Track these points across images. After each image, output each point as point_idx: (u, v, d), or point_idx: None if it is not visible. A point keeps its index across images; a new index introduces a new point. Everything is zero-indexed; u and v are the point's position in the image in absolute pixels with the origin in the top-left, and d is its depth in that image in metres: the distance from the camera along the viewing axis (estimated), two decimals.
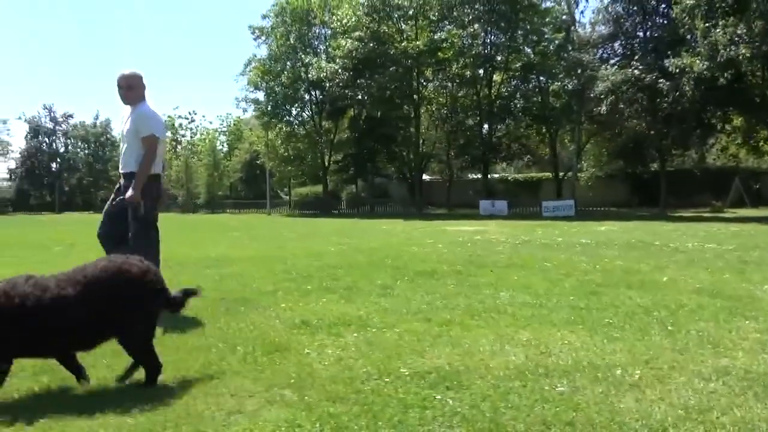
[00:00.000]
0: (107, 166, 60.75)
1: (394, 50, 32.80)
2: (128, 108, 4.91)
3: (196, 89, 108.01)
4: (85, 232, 16.33)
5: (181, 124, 64.65)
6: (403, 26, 34.41)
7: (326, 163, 39.36)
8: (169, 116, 65.50)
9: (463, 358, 3.28)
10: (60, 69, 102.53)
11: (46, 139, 59.20)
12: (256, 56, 38.95)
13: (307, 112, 40.01)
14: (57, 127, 59.77)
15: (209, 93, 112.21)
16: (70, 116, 60.45)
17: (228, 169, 56.53)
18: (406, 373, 2.99)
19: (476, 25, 31.41)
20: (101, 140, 60.97)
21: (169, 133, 65.48)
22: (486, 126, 34.32)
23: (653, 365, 3.13)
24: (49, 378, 3.04)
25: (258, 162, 53.15)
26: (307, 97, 39.02)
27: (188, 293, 3.20)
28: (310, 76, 36.38)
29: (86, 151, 61.09)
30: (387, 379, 2.91)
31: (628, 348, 3.47)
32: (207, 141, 62.02)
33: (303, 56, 37.01)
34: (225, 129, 67.41)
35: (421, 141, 36.63)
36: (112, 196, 5.02)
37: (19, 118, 62.15)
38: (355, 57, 32.57)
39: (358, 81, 33.27)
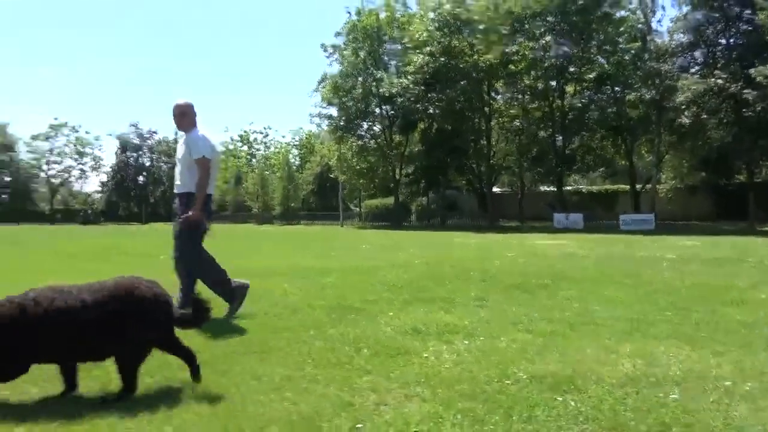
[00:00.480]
0: None
1: (465, 64, 33.09)
2: (182, 134, 5.47)
3: (270, 105, 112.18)
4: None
5: (255, 139, 67.42)
6: (474, 40, 34.65)
7: (397, 176, 40.01)
8: (244, 131, 68.46)
9: (572, 366, 3.53)
10: (145, 88, 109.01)
11: (134, 154, 63.09)
12: (328, 74, 40.30)
13: (378, 127, 40.87)
14: (143, 143, 63.68)
15: (283, 108, 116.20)
16: (154, 132, 64.41)
17: (301, 181, 58.40)
18: (524, 377, 3.29)
19: (548, 37, 31.27)
20: None
21: (245, 147, 68.54)
22: (559, 138, 33.90)
23: (764, 380, 3.26)
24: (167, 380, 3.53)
25: (329, 175, 54.61)
26: (378, 111, 39.89)
27: (199, 309, 3.29)
28: (381, 91, 37.21)
29: (169, 165, 64.67)
30: (508, 381, 3.21)
31: (735, 362, 3.61)
32: (281, 155, 64.29)
33: (374, 72, 37.94)
34: (297, 143, 69.73)
35: (491, 153, 36.62)
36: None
37: (110, 134, 66.54)
38: (426, 72, 33.11)
39: (429, 95, 33.76)
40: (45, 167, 62.10)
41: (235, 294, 5.34)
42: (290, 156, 64.51)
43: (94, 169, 63.25)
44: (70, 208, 62.74)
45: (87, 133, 62.00)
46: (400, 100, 34.79)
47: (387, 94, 36.32)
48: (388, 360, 3.71)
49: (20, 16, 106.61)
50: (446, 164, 36.93)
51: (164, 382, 3.30)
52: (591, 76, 32.78)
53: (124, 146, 63.23)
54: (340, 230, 32.46)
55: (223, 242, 18.86)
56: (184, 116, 5.37)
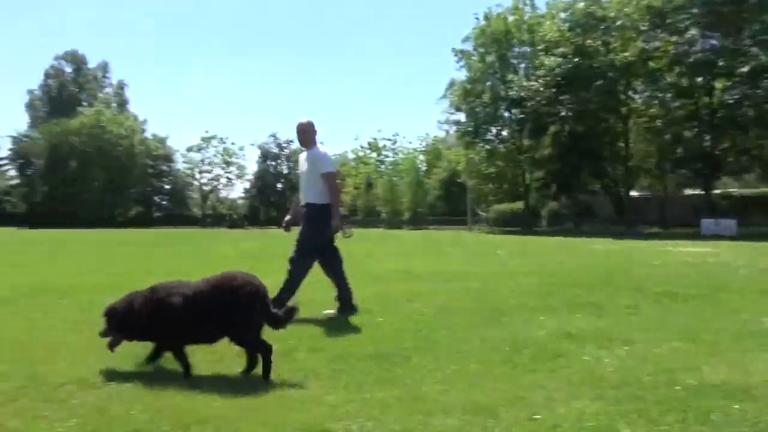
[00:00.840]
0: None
1: (600, 63, 31.75)
2: (304, 150, 6.00)
3: (398, 112, 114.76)
4: None
5: (384, 145, 69.28)
6: (609, 38, 33.13)
7: (527, 180, 39.27)
8: (373, 138, 70.69)
9: (743, 377, 3.47)
10: (281, 98, 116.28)
11: (273, 163, 67.62)
12: (455, 79, 40.56)
13: (506, 131, 40.39)
14: (281, 152, 68.04)
15: (410, 115, 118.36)
16: (291, 142, 68.49)
17: (428, 186, 59.15)
18: (694, 384, 3.32)
19: (693, 31, 29.06)
20: None
21: (374, 154, 70.76)
22: (707, 138, 31.34)
23: None
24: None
25: (457, 179, 54.77)
26: (507, 115, 39.44)
27: (290, 313, 3.75)
28: (511, 94, 36.77)
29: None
30: (677, 387, 3.26)
31: None
32: (408, 160, 65.52)
33: (503, 76, 37.59)
34: (424, 148, 70.66)
35: (629, 155, 34.73)
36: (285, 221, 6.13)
37: (252, 144, 71.76)
38: (558, 74, 32.23)
39: (561, 97, 32.79)
40: (198, 176, 68.63)
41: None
42: (417, 162, 65.52)
43: (238, 177, 68.78)
44: (218, 213, 68.70)
45: (233, 144, 67.74)
46: (530, 103, 34.12)
47: (516, 98, 35.81)
48: (548, 361, 3.89)
49: (175, 36, 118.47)
50: (579, 167, 35.58)
51: (346, 371, 3.75)
52: (744, 69, 29.92)
53: (265, 155, 68.02)
54: (469, 235, 32.50)
55: (361, 245, 19.75)
56: (306, 133, 5.89)
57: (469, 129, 38.95)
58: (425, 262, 12.10)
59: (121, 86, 75.67)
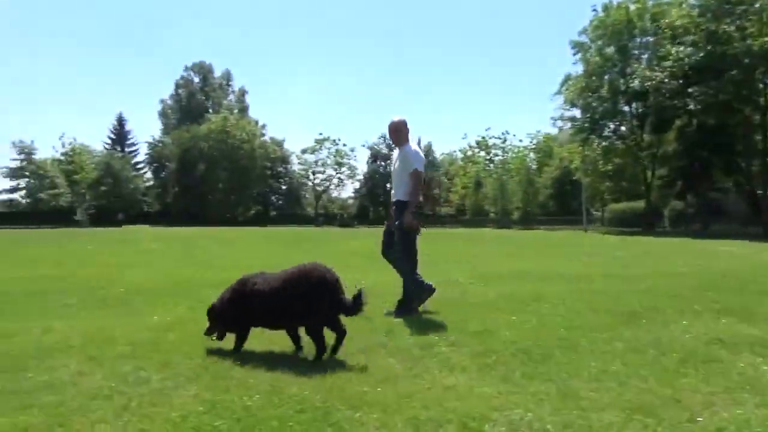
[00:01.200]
0: (430, 185, 67.93)
1: (734, 51, 29.22)
2: (396, 149, 6.06)
3: (507, 110, 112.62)
4: (441, 247, 18.77)
5: (494, 143, 68.31)
6: (746, 23, 30.36)
7: (647, 178, 37.06)
8: (481, 137, 69.91)
9: None
10: (388, 98, 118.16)
11: (383, 163, 68.91)
12: (571, 74, 39.08)
13: (625, 126, 38.35)
14: (391, 152, 69.21)
15: (520, 112, 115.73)
16: None
17: (539, 185, 57.57)
18: None
19: None
20: (427, 162, 68.32)
21: (483, 153, 69.98)
22: None
23: None
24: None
25: (570, 178, 52.82)
26: (626, 109, 37.44)
27: (358, 301, 3.92)
28: (632, 86, 34.85)
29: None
30: None
31: None
32: (518, 159, 64.13)
33: (624, 68, 35.70)
34: (534, 146, 68.85)
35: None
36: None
37: (363, 145, 73.56)
38: (687, 64, 30.08)
39: (689, 89, 30.56)
40: (311, 177, 71.51)
41: (422, 296, 5.82)
42: (527, 160, 63.96)
43: (349, 177, 70.75)
44: (329, 212, 71.19)
45: (344, 145, 69.80)
46: (652, 97, 32.10)
47: (639, 89, 33.82)
48: (700, 366, 3.79)
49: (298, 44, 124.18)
50: (709, 164, 33.00)
51: (491, 366, 3.88)
52: None
53: (375, 156, 69.47)
54: (585, 236, 31.27)
55: (478, 246, 19.69)
56: (399, 132, 5.96)
57: (586, 125, 37.37)
58: (544, 263, 11.91)
59: (242, 93, 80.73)
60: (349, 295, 4.02)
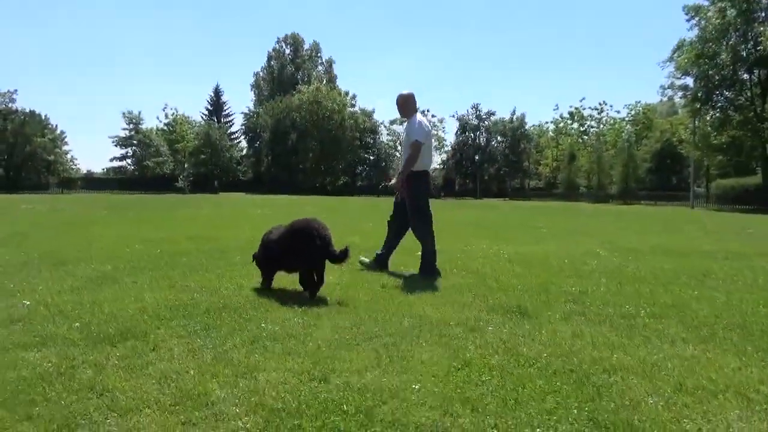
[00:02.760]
0: (521, 157, 66.44)
1: None
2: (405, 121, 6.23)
3: (604, 80, 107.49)
4: (556, 219, 18.28)
5: (591, 115, 65.53)
6: None
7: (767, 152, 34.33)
8: (575, 108, 67.17)
9: None
10: (482, 70, 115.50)
11: (472, 135, 67.95)
12: (686, 39, 36.46)
13: (744, 96, 35.49)
14: (481, 124, 68.04)
15: (618, 83, 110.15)
16: (492, 113, 68.10)
17: (637, 159, 54.78)
18: None
19: None
20: (517, 134, 66.73)
21: (575, 125, 67.28)
22: None
23: None
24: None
25: (673, 151, 49.87)
26: (746, 77, 34.59)
27: (344, 253, 4.62)
28: (758, 50, 32.04)
29: (504, 144, 67.91)
30: None
31: None
32: (614, 131, 61.25)
33: (747, 30, 32.87)
34: (632, 118, 65.44)
35: None
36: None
37: (452, 116, 72.59)
38: None
39: None
40: (399, 148, 71.58)
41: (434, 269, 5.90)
42: (624, 132, 60.93)
43: (437, 148, 70.10)
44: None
45: (433, 116, 69.15)
46: None
47: (762, 55, 31.05)
48: None
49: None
50: None
51: (709, 339, 3.74)
52: None
53: (464, 127, 68.49)
54: (694, 212, 29.53)
55: (590, 220, 19.09)
56: (406, 104, 6.14)
57: (699, 94, 34.92)
58: (673, 239, 11.34)
59: (330, 64, 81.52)
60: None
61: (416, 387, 2.70)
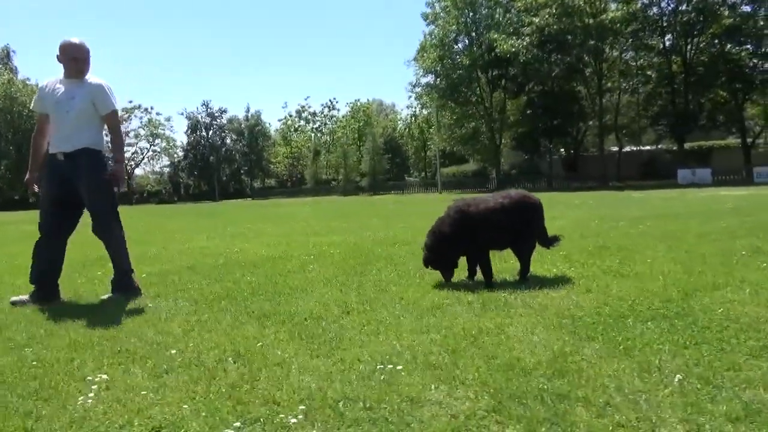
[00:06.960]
0: (261, 155, 64.67)
1: (581, 24, 32.77)
2: (65, 80, 4.26)
3: (331, 79, 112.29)
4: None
5: (316, 112, 67.35)
6: None
7: (498, 142, 40.39)
8: (301, 106, 68.49)
9: None
10: (213, 68, 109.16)
11: (204, 133, 63.69)
12: (428, 41, 40.06)
13: (478, 92, 40.47)
14: (213, 122, 64.18)
15: (343, 82, 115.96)
16: (224, 111, 64.78)
17: (364, 153, 58.21)
18: None
19: None
20: (255, 131, 64.92)
21: (302, 122, 68.29)
22: (686, 95, 33.97)
23: None
24: None
25: (395, 143, 54.88)
26: (482, 76, 39.91)
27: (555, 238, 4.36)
28: (492, 54, 37.01)
29: (241, 143, 65.36)
30: None
31: None
32: (341, 128, 64.33)
33: (480, 36, 37.86)
34: (353, 115, 69.98)
35: (602, 114, 36.40)
36: None
37: (181, 114, 66.78)
38: (544, 33, 32.93)
39: (542, 54, 33.63)
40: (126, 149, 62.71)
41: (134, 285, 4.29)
42: (354, 129, 64.58)
43: (165, 149, 63.84)
44: (150, 189, 63.83)
45: (158, 114, 62.49)
46: (513, 63, 34.74)
47: (501, 56, 35.63)
48: None
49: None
50: (551, 129, 37.06)
51: None
52: (720, 29, 31.87)
53: (195, 125, 63.68)
54: (438, 197, 31.24)
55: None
56: (89, 59, 4.21)
57: (443, 90, 38.98)
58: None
59: (7, 52, 66.57)
60: None
61: None
